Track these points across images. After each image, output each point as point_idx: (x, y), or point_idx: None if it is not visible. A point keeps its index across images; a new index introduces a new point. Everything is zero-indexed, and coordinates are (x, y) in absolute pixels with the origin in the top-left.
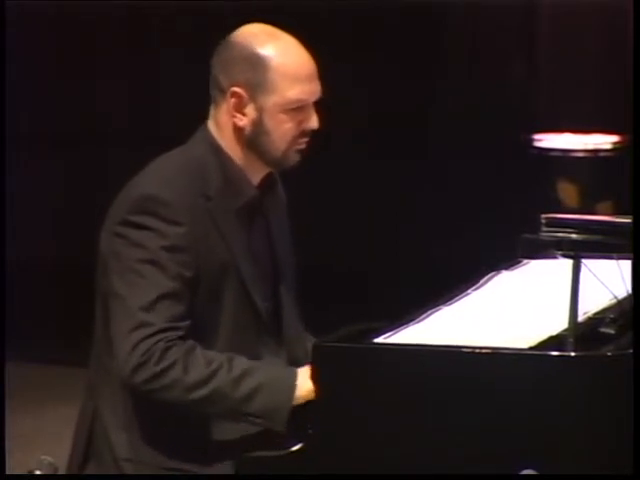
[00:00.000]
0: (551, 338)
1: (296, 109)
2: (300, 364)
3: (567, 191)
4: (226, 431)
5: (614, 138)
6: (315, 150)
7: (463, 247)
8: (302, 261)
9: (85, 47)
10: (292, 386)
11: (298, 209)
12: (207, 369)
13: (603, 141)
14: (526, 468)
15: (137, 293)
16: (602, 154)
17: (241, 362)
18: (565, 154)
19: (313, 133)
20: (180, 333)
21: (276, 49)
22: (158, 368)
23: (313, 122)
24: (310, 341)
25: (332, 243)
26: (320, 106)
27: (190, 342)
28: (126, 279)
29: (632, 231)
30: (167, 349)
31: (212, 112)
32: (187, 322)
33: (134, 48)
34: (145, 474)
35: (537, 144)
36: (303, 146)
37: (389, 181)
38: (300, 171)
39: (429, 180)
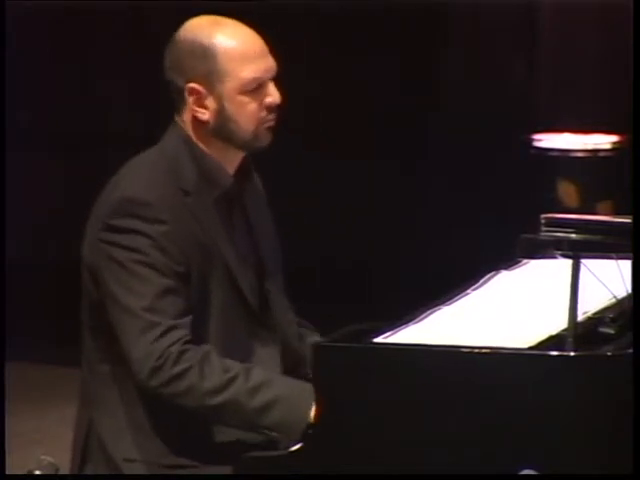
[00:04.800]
0: (550, 338)
1: (254, 89)
2: (293, 356)
3: (567, 191)
4: (227, 433)
5: (614, 138)
6: (316, 150)
7: (463, 247)
8: (303, 261)
9: (85, 47)
10: (310, 402)
11: (300, 210)
12: (224, 376)
13: (603, 141)
14: (526, 468)
15: (136, 295)
16: (602, 154)
17: (259, 373)
18: (565, 154)
19: (278, 109)
20: (186, 330)
21: (220, 35)
22: (174, 372)
23: (275, 97)
24: (309, 334)
25: (333, 243)
26: (277, 82)
27: (206, 347)
28: (122, 283)
29: (632, 231)
30: (182, 352)
31: (176, 110)
32: (189, 317)
33: (134, 48)
34: (145, 474)
35: (537, 144)
36: (271, 123)
37: (389, 181)
38: (302, 171)
39: (429, 180)
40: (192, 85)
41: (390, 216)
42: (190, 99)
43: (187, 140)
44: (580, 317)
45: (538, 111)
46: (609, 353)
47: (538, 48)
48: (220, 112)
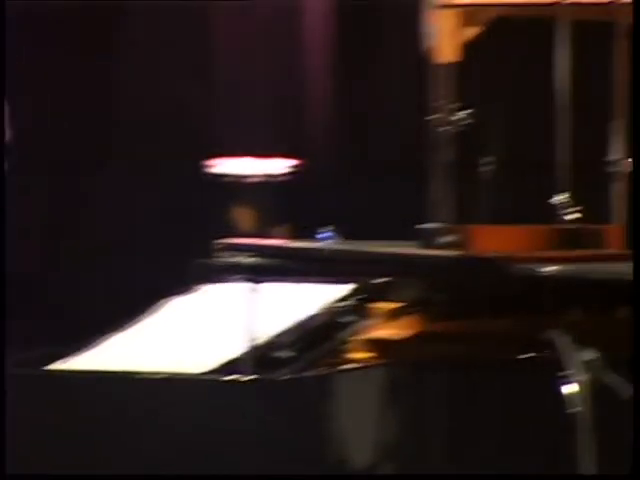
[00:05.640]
0: (227, 363)
1: None
2: None
3: (242, 216)
4: None
5: (290, 162)
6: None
7: (138, 274)
8: None
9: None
10: None
11: None
12: None
13: (278, 166)
14: None
15: None
16: (278, 178)
17: None
18: (240, 179)
19: None
20: None
21: None
22: None
23: None
24: None
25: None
26: None
27: None
28: None
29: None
30: None
31: None
32: None
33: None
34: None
35: (212, 169)
36: None
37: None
38: None
39: (104, 199)
40: None
41: (67, 237)
42: None
43: None
44: (257, 341)
45: (215, 135)
46: (285, 377)
47: (213, 65)
48: None
